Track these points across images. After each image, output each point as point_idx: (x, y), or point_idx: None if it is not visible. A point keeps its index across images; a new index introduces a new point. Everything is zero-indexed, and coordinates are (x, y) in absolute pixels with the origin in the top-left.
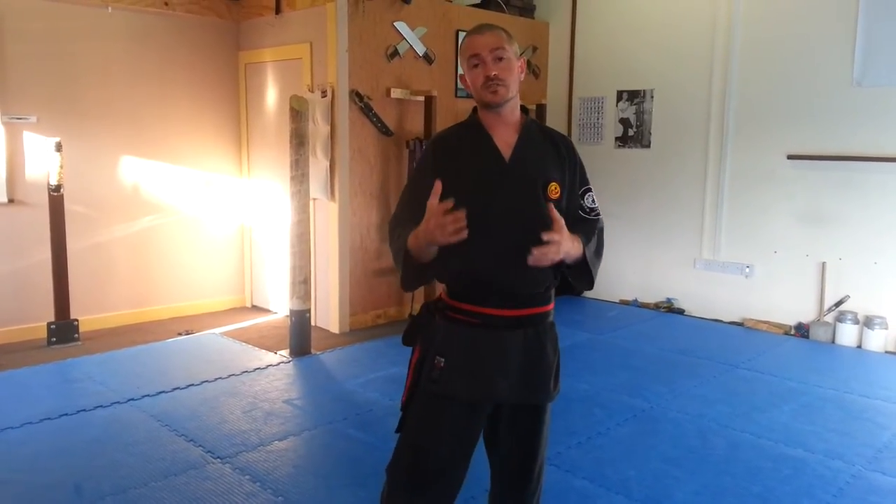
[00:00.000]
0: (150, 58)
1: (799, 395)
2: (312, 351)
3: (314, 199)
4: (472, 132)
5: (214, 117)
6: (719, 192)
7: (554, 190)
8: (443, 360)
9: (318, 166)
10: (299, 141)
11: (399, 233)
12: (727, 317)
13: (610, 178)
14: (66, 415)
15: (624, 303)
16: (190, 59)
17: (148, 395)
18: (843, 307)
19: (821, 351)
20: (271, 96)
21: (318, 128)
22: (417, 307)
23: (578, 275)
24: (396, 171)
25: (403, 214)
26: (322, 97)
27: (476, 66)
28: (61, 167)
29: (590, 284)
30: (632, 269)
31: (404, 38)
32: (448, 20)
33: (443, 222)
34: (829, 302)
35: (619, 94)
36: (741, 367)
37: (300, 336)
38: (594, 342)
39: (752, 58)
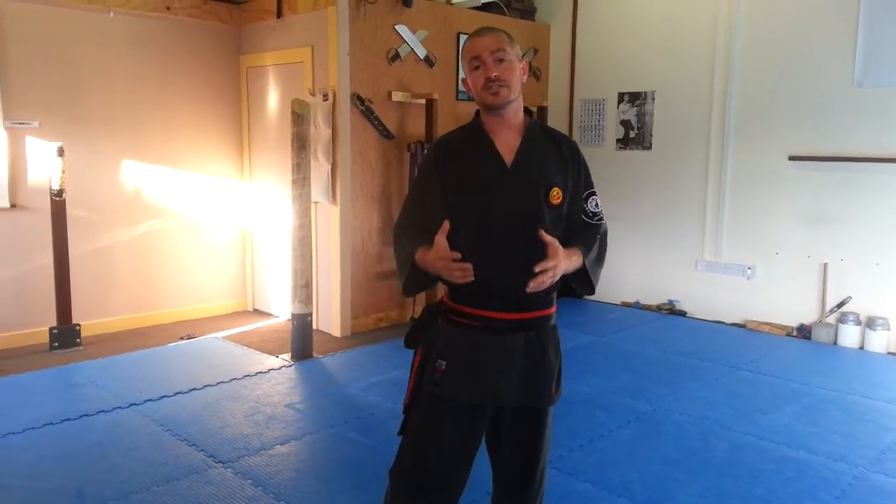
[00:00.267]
0: (151, 62)
1: (801, 396)
2: (314, 354)
3: (316, 203)
4: (474, 136)
5: (216, 121)
6: (721, 193)
7: (556, 195)
8: (445, 363)
9: (319, 170)
10: (301, 144)
11: (405, 242)
12: (729, 318)
13: (611, 180)
14: (69, 419)
15: (626, 305)
16: (191, 64)
17: (150, 400)
18: (845, 308)
19: (823, 352)
20: (273, 100)
21: (319, 131)
22: (419, 310)
23: (580, 282)
24: (398, 174)
25: (407, 221)
26: (323, 101)
27: (477, 67)
28: (63, 172)
29: (591, 290)
30: (633, 270)
31: (405, 42)
32: (449, 23)
33: (449, 268)
34: (831, 303)
35: (621, 96)
36: (743, 368)
37: (302, 340)
38: (596, 344)
39: (753, 59)
